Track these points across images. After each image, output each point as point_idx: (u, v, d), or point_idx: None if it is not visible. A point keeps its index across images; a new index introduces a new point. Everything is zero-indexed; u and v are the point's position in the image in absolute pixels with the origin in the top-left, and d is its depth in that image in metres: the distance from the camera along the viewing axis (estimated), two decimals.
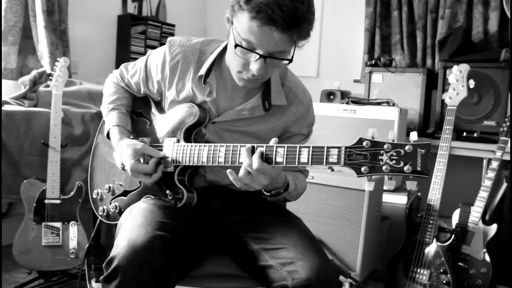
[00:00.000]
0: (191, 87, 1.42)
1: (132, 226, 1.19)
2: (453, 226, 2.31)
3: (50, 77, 2.35)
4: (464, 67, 2.36)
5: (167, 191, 1.39)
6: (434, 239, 2.26)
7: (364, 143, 1.10)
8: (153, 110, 1.54)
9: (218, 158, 1.30)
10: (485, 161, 2.71)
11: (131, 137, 1.50)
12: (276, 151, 1.19)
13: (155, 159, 1.37)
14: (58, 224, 2.27)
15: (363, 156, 1.11)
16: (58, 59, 2.38)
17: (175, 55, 1.43)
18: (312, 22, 1.19)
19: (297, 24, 1.14)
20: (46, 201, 2.26)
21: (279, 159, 1.19)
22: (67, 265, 2.27)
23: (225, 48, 1.39)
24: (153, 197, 1.42)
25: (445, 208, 2.31)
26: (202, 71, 1.38)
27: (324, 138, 2.76)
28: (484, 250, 2.26)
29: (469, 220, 2.30)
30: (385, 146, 1.08)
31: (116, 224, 1.44)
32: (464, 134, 2.72)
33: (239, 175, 1.20)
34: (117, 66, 3.53)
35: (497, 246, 2.30)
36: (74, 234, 2.28)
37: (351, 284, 2.22)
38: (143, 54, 3.60)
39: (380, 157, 1.09)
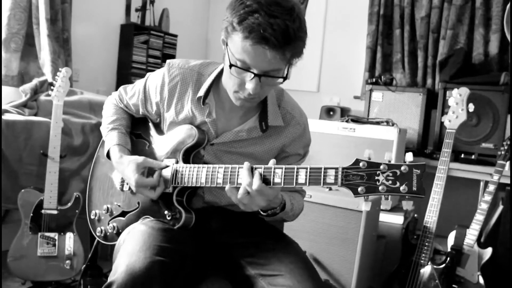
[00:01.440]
0: (190, 108, 1.43)
1: (131, 251, 1.19)
2: (449, 248, 2.32)
3: (52, 87, 2.36)
4: (464, 91, 2.38)
5: (165, 212, 1.40)
6: (429, 262, 2.26)
7: (361, 164, 1.13)
8: (152, 131, 1.55)
9: (216, 179, 1.30)
10: (482, 183, 2.72)
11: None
12: (274, 172, 1.21)
13: (159, 171, 1.38)
14: (54, 235, 2.27)
15: (360, 176, 1.13)
16: (60, 68, 2.39)
17: (173, 77, 1.45)
18: (304, 40, 1.21)
19: (289, 42, 1.16)
20: (43, 211, 2.26)
21: (277, 180, 1.20)
22: (62, 276, 2.26)
23: (222, 70, 1.41)
24: (151, 217, 1.42)
25: (440, 228, 2.31)
26: (201, 92, 1.40)
27: (323, 155, 2.77)
28: (478, 273, 2.26)
29: (464, 243, 2.31)
30: (381, 167, 1.11)
31: (113, 245, 1.44)
32: (462, 155, 2.73)
33: (238, 196, 1.21)
34: (118, 75, 3.56)
35: (492, 269, 2.30)
36: (70, 245, 2.28)
37: None
38: (145, 63, 3.61)
39: (376, 178, 1.11)
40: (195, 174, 1.34)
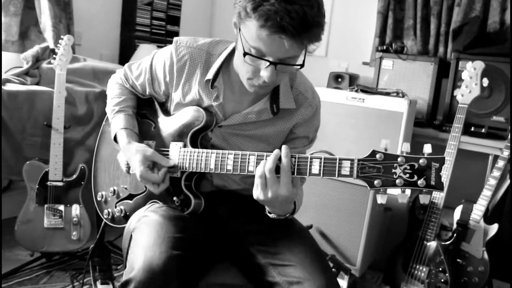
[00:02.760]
0: (198, 90, 1.38)
1: (146, 244, 1.18)
2: (455, 222, 2.31)
3: (54, 55, 2.29)
4: (479, 65, 2.30)
5: (174, 198, 1.38)
6: (435, 238, 2.27)
7: (378, 156, 1.10)
8: (158, 112, 1.50)
9: (226, 166, 1.28)
10: (491, 157, 2.69)
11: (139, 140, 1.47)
12: None
13: (165, 169, 1.35)
14: (60, 207, 2.27)
15: (376, 169, 1.11)
16: (62, 36, 2.31)
17: (182, 56, 1.39)
18: (323, 25, 1.15)
19: (307, 29, 1.10)
20: (48, 183, 2.25)
21: None
22: (69, 248, 2.28)
23: (233, 51, 1.35)
24: (159, 202, 1.41)
25: (446, 200, 2.30)
26: (210, 75, 1.35)
27: (329, 125, 2.72)
28: (484, 248, 2.27)
29: (470, 218, 2.30)
30: (399, 160, 1.09)
31: (121, 228, 1.43)
32: (472, 129, 2.68)
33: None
34: (122, 38, 3.47)
35: (497, 245, 2.31)
36: (76, 217, 2.28)
37: (350, 276, 2.23)
38: (149, 26, 3.51)
39: (393, 171, 1.09)
40: (204, 160, 1.31)
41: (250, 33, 1.14)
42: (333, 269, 2.10)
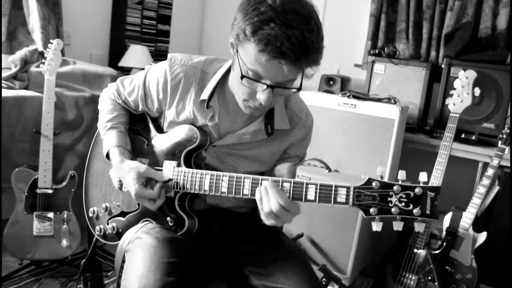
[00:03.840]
0: (192, 109, 1.37)
1: (140, 271, 1.17)
2: (444, 229, 2.33)
3: (43, 59, 2.25)
4: (471, 74, 2.31)
5: (168, 218, 1.37)
6: (425, 247, 2.29)
7: (374, 184, 1.11)
8: (151, 128, 1.48)
9: (221, 188, 1.27)
10: (480, 164, 2.71)
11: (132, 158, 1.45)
12: (282, 185, 1.18)
13: (160, 184, 1.34)
14: (50, 214, 2.25)
15: (372, 197, 1.12)
16: (51, 40, 2.27)
17: (176, 75, 1.37)
18: (322, 50, 1.14)
19: (307, 54, 1.09)
20: (37, 190, 2.22)
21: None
22: (59, 255, 2.27)
23: (228, 70, 1.34)
24: (152, 221, 1.39)
25: None
26: (205, 95, 1.33)
27: (320, 131, 2.72)
28: (472, 256, 2.30)
29: (460, 226, 2.33)
30: (395, 188, 1.09)
31: (112, 245, 1.43)
32: (463, 135, 2.69)
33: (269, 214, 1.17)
34: (111, 38, 3.42)
35: (486, 252, 2.34)
36: (66, 224, 2.26)
37: (340, 286, 2.25)
38: (140, 25, 3.46)
39: (389, 199, 1.10)
40: (198, 181, 1.31)
41: (248, 56, 1.12)
42: (323, 279, 2.11)
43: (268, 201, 1.16)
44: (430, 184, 1.09)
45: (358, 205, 1.11)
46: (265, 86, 1.14)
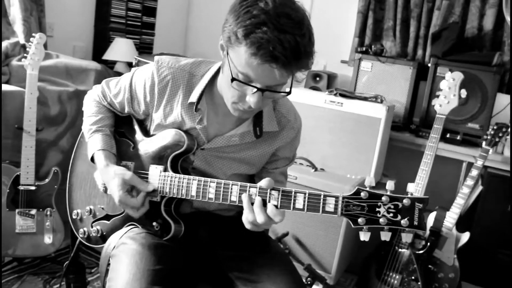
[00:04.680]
0: (180, 112, 1.35)
1: (125, 279, 1.16)
2: (428, 229, 2.36)
3: (25, 53, 2.19)
4: (458, 76, 2.32)
5: (154, 223, 1.35)
6: (409, 247, 2.31)
7: (362, 194, 1.11)
8: (137, 131, 1.46)
9: (208, 194, 1.26)
10: (464, 164, 2.74)
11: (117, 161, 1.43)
12: (270, 193, 1.17)
13: (144, 193, 1.32)
14: (33, 211, 2.21)
15: (360, 207, 1.12)
16: (34, 34, 2.21)
17: (163, 77, 1.35)
18: (313, 54, 1.14)
19: (298, 59, 1.09)
20: (20, 187, 2.18)
21: (273, 202, 1.17)
22: (42, 252, 2.24)
23: (216, 72, 1.32)
24: (137, 225, 1.38)
25: None
26: (193, 98, 1.32)
27: (307, 128, 2.70)
28: (455, 256, 2.33)
29: (443, 225, 2.35)
30: (383, 199, 1.10)
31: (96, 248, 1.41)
32: (448, 135, 2.72)
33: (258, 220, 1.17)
34: (95, 30, 3.35)
35: (467, 250, 2.37)
36: (49, 221, 2.23)
37: (325, 285, 2.26)
38: (124, 17, 3.39)
39: (377, 209, 1.10)
40: (185, 187, 1.29)
41: (239, 59, 1.11)
42: (308, 279, 2.12)
43: (253, 215, 1.17)
44: (417, 195, 1.09)
45: (346, 214, 1.12)
46: (255, 89, 1.13)
